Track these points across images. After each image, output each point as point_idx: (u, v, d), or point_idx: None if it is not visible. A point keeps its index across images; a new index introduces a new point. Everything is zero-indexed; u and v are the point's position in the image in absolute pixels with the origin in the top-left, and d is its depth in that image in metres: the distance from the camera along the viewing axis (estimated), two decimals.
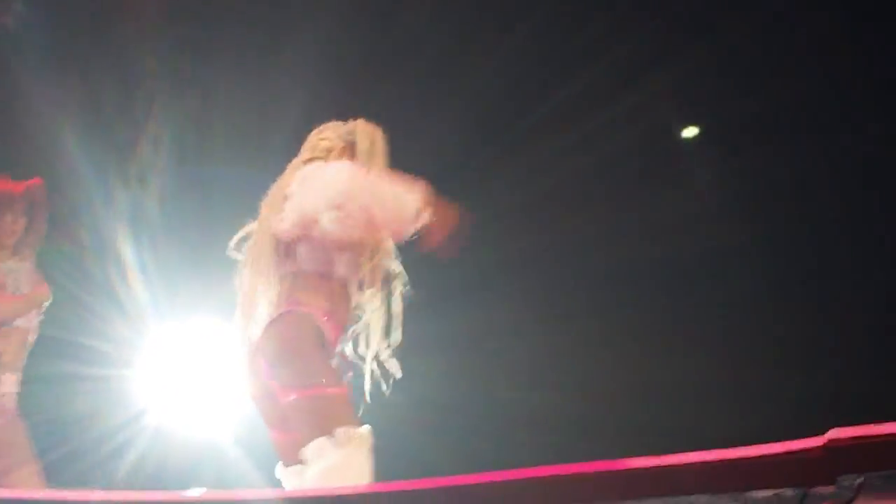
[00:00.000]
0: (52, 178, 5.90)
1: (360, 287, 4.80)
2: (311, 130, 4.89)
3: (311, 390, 4.46)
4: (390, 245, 4.79)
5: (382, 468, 4.40)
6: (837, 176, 7.24)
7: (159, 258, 6.88)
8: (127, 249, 6.44)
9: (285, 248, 4.63)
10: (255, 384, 4.66)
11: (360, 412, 4.61)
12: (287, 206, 4.60)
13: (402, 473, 3.41)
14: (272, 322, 4.61)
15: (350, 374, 4.74)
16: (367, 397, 4.74)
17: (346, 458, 4.36)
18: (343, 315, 4.74)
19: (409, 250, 4.72)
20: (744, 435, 3.14)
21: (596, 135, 7.19)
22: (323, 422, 4.41)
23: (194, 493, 3.97)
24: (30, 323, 5.59)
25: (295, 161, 4.84)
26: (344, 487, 4.00)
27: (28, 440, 5.46)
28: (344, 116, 4.87)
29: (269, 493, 3.60)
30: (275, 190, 4.74)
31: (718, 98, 7.36)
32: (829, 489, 2.68)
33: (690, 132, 7.60)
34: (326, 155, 4.78)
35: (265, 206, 4.72)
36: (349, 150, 4.80)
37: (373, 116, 4.83)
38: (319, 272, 4.64)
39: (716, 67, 7.24)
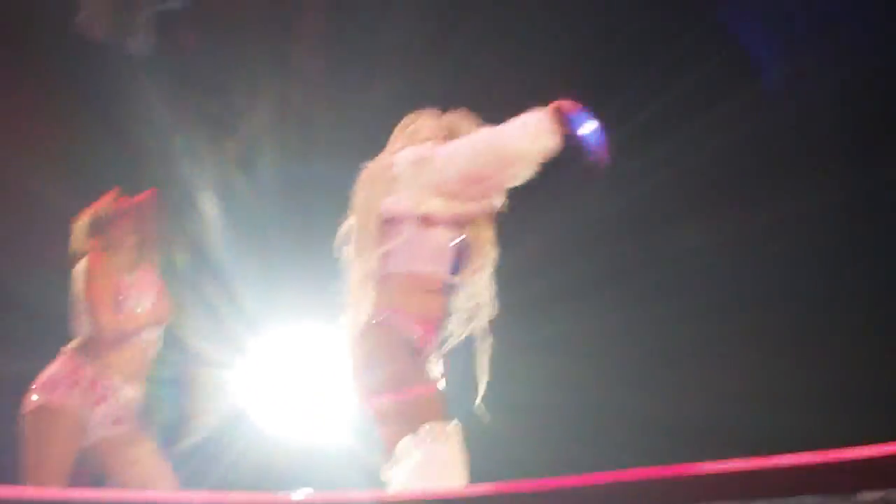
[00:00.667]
0: (161, 186, 5.96)
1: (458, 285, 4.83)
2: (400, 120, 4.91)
3: (398, 394, 4.51)
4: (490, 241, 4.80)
5: (483, 469, 4.43)
6: None
7: (264, 260, 6.95)
8: (231, 252, 6.50)
9: (386, 239, 4.65)
10: (357, 387, 4.71)
11: (461, 411, 4.65)
12: (391, 190, 4.63)
13: (500, 475, 3.42)
14: (361, 331, 4.66)
15: (443, 372, 4.77)
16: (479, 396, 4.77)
17: (433, 455, 4.40)
18: (436, 314, 4.76)
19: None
20: (853, 435, 3.09)
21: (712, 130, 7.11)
22: (412, 422, 4.45)
23: (300, 494, 4.00)
24: (152, 336, 5.68)
25: (390, 149, 4.84)
26: (438, 489, 4.02)
27: (153, 445, 5.56)
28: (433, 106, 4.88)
29: (369, 494, 3.62)
30: (371, 179, 4.76)
31: None
32: None
33: None
34: (424, 144, 4.78)
35: (362, 197, 4.73)
36: (449, 139, 4.81)
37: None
38: (414, 272, 4.66)
39: None
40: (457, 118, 4.85)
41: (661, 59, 7.07)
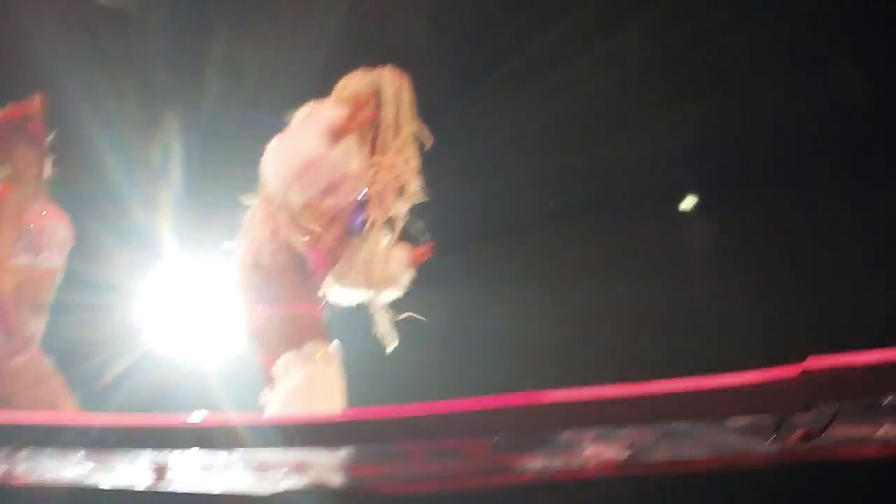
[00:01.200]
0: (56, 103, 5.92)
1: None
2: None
3: (281, 308, 4.61)
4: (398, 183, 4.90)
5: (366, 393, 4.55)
6: None
7: (166, 193, 6.98)
8: (132, 181, 6.52)
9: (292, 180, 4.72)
10: (241, 307, 4.81)
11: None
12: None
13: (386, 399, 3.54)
14: (250, 246, 4.75)
15: (326, 298, 4.88)
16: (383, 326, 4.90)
17: (314, 375, 4.52)
18: (332, 244, 4.86)
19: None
20: (722, 363, 3.26)
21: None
22: (293, 339, 4.56)
23: (196, 416, 4.09)
24: (58, 263, 5.64)
25: (322, 105, 4.91)
26: (313, 415, 4.13)
27: (55, 371, 5.58)
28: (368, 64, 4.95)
29: (251, 417, 3.72)
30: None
31: None
32: (805, 417, 2.79)
33: None
34: (352, 100, 4.85)
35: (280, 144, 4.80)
36: (374, 94, 4.89)
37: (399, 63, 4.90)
38: (315, 200, 4.75)
39: None
40: (384, 76, 4.93)
41: None
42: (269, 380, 4.68)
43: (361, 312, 5.07)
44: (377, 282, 4.98)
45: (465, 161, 6.75)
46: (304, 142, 4.59)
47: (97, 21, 7.32)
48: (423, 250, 5.07)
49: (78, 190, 6.19)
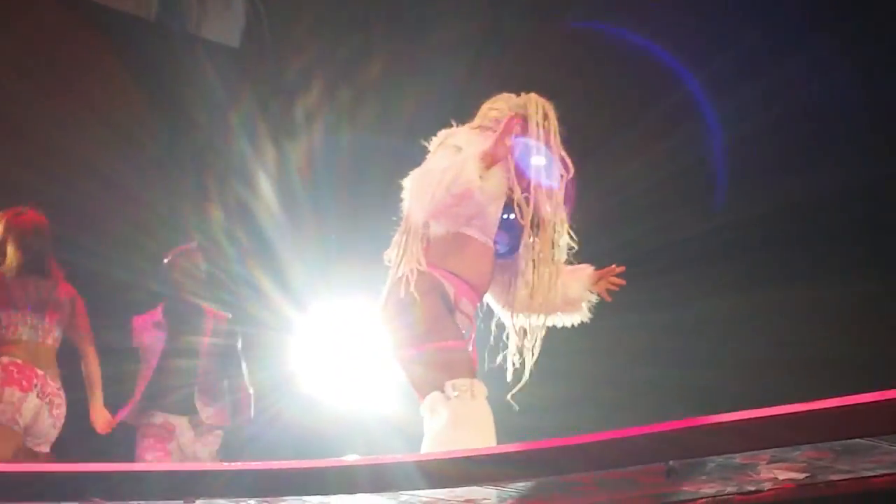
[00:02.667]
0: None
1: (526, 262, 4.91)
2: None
3: (425, 346, 4.57)
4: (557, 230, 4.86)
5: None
6: None
7: (316, 236, 7.08)
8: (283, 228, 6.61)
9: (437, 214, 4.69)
10: (388, 345, 4.79)
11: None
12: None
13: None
14: (394, 280, 4.73)
15: (472, 334, 4.84)
16: (518, 367, 4.86)
17: (459, 412, 4.47)
18: (481, 275, 4.82)
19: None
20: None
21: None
22: (438, 376, 4.52)
23: (349, 459, 4.10)
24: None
25: (464, 128, 4.89)
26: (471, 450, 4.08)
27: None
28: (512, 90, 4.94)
29: (409, 457, 3.70)
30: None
31: None
32: None
33: None
34: (495, 124, 4.83)
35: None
36: (520, 119, 4.85)
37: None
38: (461, 235, 4.72)
39: None
40: (531, 101, 4.90)
41: None
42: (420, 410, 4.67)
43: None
44: (553, 306, 4.93)
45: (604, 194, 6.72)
46: (456, 170, 4.54)
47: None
48: (609, 272, 5.00)
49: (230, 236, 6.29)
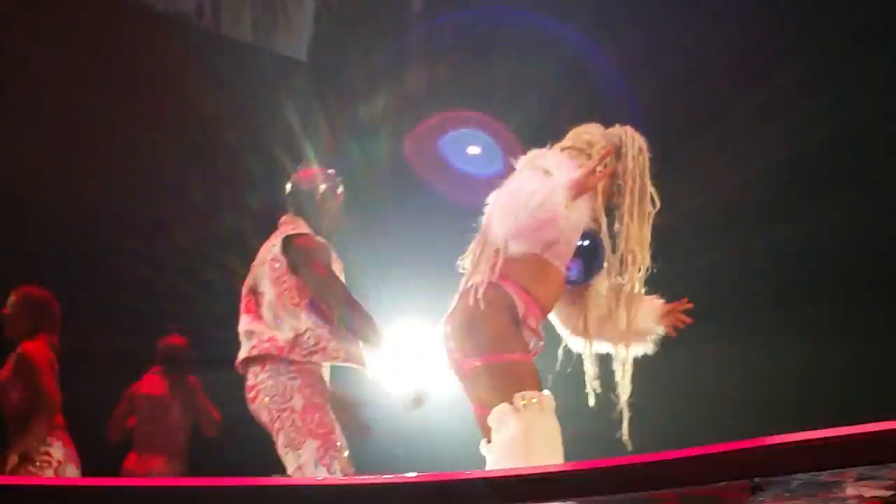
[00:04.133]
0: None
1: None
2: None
3: (492, 357, 4.56)
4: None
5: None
6: None
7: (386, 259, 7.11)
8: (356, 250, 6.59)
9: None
10: (451, 358, 4.78)
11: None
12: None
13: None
14: (465, 290, 4.72)
15: (540, 345, 4.83)
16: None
17: (528, 425, 4.44)
18: (549, 297, 4.81)
19: None
20: None
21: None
22: (505, 388, 4.50)
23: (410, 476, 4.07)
24: None
25: (554, 150, 4.91)
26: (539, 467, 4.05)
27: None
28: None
29: (475, 473, 3.68)
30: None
31: None
32: None
33: None
34: (588, 147, 4.84)
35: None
36: (613, 150, 4.87)
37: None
38: (538, 258, 4.71)
39: None
40: (627, 133, 4.93)
41: None
42: (486, 432, 4.65)
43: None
44: (622, 337, 4.94)
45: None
46: (544, 196, 4.53)
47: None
48: (678, 307, 5.01)
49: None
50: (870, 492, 2.97)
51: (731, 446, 2.89)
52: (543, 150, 4.89)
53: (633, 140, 4.89)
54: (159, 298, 7.39)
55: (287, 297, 5.64)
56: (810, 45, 7.36)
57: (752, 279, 7.54)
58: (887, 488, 2.95)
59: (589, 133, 4.95)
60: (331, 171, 5.98)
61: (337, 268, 5.79)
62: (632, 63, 7.58)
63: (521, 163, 4.87)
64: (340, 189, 5.96)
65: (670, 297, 5.03)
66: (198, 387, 8.08)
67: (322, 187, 5.90)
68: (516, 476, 3.19)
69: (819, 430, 2.83)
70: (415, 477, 3.45)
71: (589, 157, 4.81)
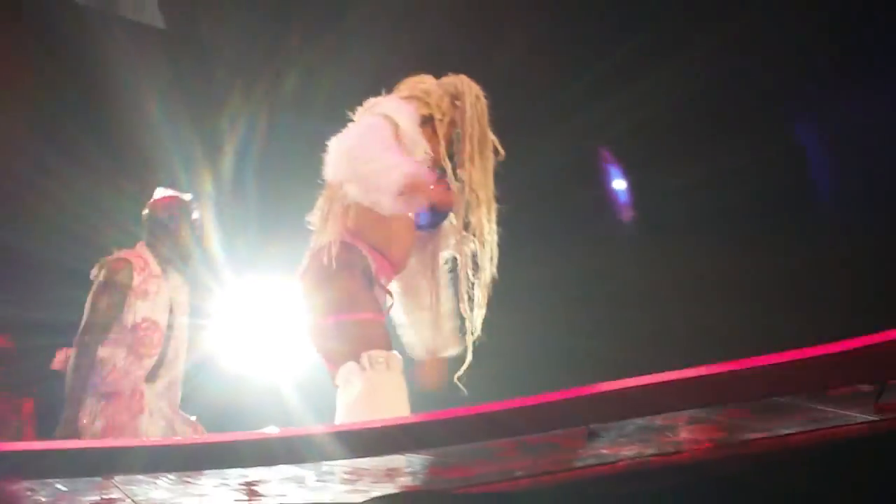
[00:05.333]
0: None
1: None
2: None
3: (342, 316, 4.58)
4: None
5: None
6: None
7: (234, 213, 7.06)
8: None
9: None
10: (305, 315, 4.79)
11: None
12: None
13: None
14: (314, 251, 4.72)
15: (390, 304, 4.86)
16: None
17: (374, 383, 4.49)
18: (401, 253, 4.83)
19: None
20: (821, 333, 3.20)
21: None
22: (353, 347, 4.53)
23: (269, 431, 4.08)
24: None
25: (391, 97, 4.88)
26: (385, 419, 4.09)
27: None
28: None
29: (325, 427, 3.70)
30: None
31: None
32: None
33: None
34: (425, 96, 4.83)
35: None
36: (450, 100, 4.86)
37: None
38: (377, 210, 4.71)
39: None
40: (462, 81, 4.93)
41: None
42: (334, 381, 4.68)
43: None
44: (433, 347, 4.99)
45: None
46: (396, 175, 4.53)
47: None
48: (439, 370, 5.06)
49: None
50: (703, 434, 3.04)
51: (566, 394, 2.95)
52: (380, 98, 4.88)
53: (469, 88, 4.90)
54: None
55: None
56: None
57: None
58: (719, 430, 3.03)
59: (424, 83, 4.94)
60: (187, 196, 5.94)
61: (168, 286, 5.81)
62: None
63: (359, 112, 4.86)
64: (195, 215, 5.92)
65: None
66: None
67: (176, 214, 5.88)
68: (350, 430, 3.22)
69: (650, 376, 2.90)
70: (268, 433, 3.46)
71: (427, 105, 4.82)
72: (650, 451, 3.10)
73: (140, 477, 3.08)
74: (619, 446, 3.07)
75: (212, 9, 8.00)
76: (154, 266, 5.80)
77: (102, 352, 5.63)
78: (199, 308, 6.02)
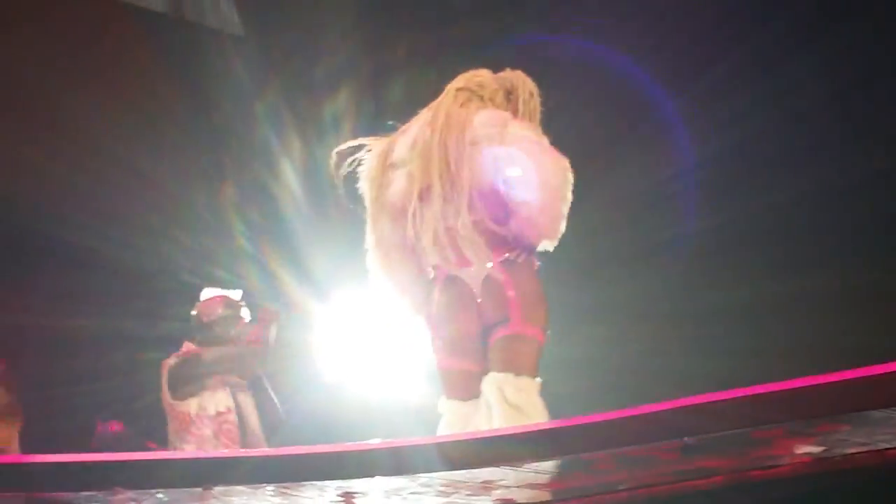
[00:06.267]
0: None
1: None
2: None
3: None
4: None
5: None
6: None
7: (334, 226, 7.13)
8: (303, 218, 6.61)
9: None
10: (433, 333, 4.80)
11: None
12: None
13: None
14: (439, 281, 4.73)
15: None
16: None
17: (524, 400, 4.49)
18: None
19: None
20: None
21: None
22: (535, 364, 4.53)
23: (374, 442, 4.12)
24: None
25: (444, 94, 4.89)
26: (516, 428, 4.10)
27: None
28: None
29: (426, 439, 3.73)
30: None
31: None
32: None
33: None
34: (479, 89, 4.82)
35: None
36: (504, 94, 4.85)
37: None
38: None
39: None
40: (517, 77, 4.91)
41: None
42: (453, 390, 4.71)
43: None
44: None
45: None
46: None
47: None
48: None
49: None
50: (801, 448, 3.01)
51: (662, 406, 2.94)
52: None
53: (524, 83, 4.89)
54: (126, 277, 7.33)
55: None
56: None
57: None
58: (817, 443, 2.99)
59: (479, 76, 4.93)
60: (236, 294, 5.95)
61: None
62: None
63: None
64: (243, 313, 5.90)
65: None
66: None
67: (223, 315, 5.86)
68: (448, 442, 3.23)
69: (747, 388, 2.88)
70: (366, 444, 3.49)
71: (481, 98, 4.81)
72: (747, 464, 3.08)
73: (240, 488, 3.13)
74: (716, 459, 3.05)
75: (309, 19, 8.07)
76: None
77: (188, 446, 5.63)
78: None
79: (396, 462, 3.28)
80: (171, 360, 5.80)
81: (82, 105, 7.28)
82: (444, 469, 3.22)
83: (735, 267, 7.36)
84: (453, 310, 4.72)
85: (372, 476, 3.21)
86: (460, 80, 4.90)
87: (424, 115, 4.81)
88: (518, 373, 4.55)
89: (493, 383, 4.58)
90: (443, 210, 4.63)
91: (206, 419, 5.69)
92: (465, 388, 4.70)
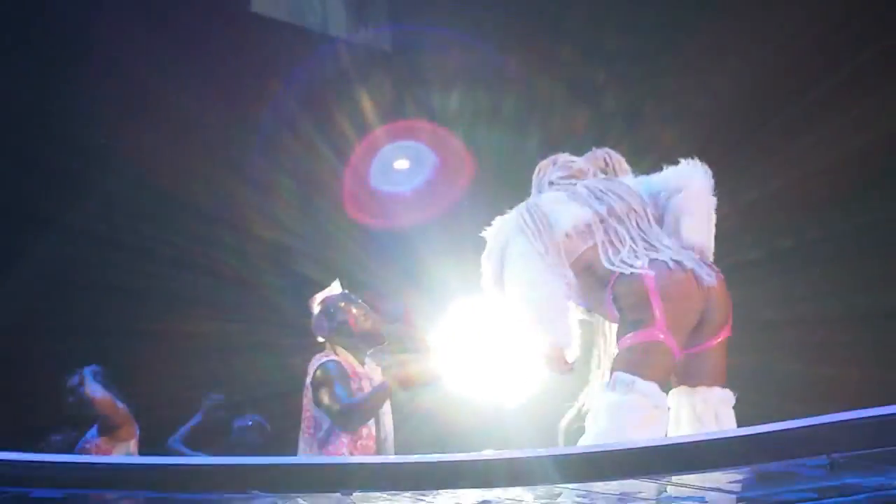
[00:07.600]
0: None
1: None
2: None
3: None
4: None
5: None
6: None
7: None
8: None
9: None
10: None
11: None
12: None
13: None
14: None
15: None
16: None
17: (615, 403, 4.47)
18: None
19: None
20: None
21: None
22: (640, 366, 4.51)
23: (487, 454, 4.10)
24: None
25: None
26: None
27: None
28: None
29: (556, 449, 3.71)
30: None
31: None
32: None
33: None
34: (579, 175, 5.01)
35: None
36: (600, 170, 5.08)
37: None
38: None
39: None
40: (603, 154, 5.10)
41: None
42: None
43: None
44: None
45: None
46: None
47: None
48: None
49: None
50: None
51: (807, 422, 2.90)
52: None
53: (612, 158, 5.14)
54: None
55: (304, 425, 5.70)
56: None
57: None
58: None
59: (573, 162, 5.12)
60: (335, 287, 5.94)
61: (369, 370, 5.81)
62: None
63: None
64: (357, 307, 5.89)
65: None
66: None
67: (341, 305, 5.86)
68: (583, 453, 3.21)
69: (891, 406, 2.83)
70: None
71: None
72: (894, 482, 3.03)
73: (378, 494, 3.14)
74: (862, 477, 3.00)
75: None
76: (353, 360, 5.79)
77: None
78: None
79: (531, 472, 3.27)
80: (327, 364, 5.73)
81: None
82: (580, 480, 3.20)
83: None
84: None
85: (507, 486, 3.21)
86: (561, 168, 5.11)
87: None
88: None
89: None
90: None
91: None
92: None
